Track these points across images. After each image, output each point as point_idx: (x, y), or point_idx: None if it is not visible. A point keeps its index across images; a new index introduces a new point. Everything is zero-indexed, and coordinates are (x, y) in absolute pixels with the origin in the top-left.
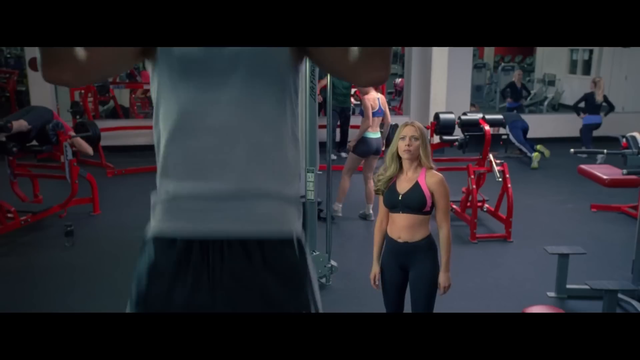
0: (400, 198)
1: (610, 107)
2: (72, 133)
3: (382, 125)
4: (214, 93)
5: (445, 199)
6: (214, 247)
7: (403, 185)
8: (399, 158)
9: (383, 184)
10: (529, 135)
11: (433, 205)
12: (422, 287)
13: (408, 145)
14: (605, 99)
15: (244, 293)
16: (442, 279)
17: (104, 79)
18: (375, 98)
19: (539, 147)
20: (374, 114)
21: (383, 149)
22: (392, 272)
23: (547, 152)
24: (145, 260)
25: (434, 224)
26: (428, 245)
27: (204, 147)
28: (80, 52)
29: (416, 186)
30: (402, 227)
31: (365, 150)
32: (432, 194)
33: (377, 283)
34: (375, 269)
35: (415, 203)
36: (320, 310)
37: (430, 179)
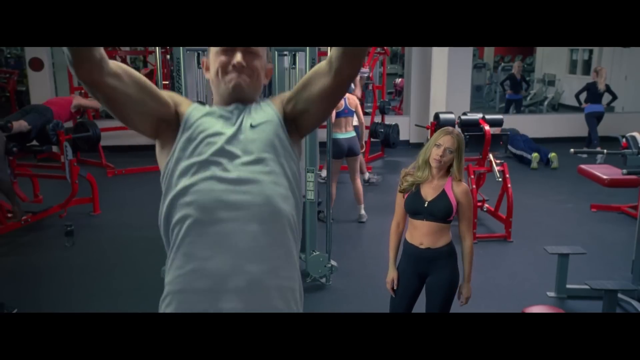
0: (425, 205)
1: (613, 97)
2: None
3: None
4: (226, 181)
5: (471, 210)
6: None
7: (429, 192)
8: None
9: (410, 185)
10: (531, 135)
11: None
12: (440, 293)
13: (441, 156)
14: (608, 88)
15: None
16: (465, 289)
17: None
18: None
19: (552, 155)
20: (339, 114)
21: (363, 150)
22: (409, 278)
23: (556, 163)
24: None
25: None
26: (449, 252)
27: (213, 243)
28: (102, 52)
29: (443, 195)
30: (424, 233)
31: (336, 151)
32: (458, 203)
33: (394, 288)
34: (393, 273)
35: (442, 212)
36: None
37: (457, 188)
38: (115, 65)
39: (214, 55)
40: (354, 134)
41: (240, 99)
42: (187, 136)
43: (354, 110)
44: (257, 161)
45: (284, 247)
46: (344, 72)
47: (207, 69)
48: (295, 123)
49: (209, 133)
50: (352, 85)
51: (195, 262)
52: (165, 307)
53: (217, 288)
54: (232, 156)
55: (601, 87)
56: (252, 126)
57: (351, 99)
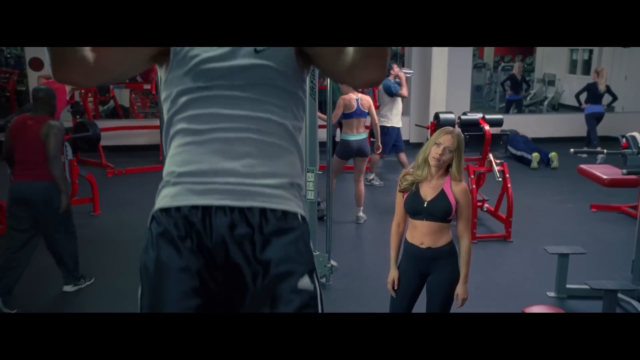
0: (425, 205)
1: (613, 97)
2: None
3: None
4: (224, 101)
5: (469, 209)
6: (216, 212)
7: (428, 192)
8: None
9: (409, 184)
10: (531, 136)
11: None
12: (441, 292)
13: (440, 154)
14: (608, 89)
15: (244, 248)
16: (460, 290)
17: (114, 81)
18: (352, 99)
19: (552, 155)
20: (351, 115)
21: (379, 152)
22: (410, 278)
23: (556, 162)
24: (151, 231)
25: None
26: (450, 252)
27: (211, 146)
28: (88, 53)
29: (442, 194)
30: (425, 233)
31: (344, 151)
32: (457, 203)
33: (395, 288)
34: (394, 273)
35: (441, 211)
36: (319, 283)
37: (455, 187)
38: (91, 54)
39: None
40: (365, 135)
41: None
42: (182, 55)
43: (366, 111)
44: (259, 83)
45: (282, 150)
46: (358, 78)
47: None
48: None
49: (207, 55)
50: (398, 86)
51: (191, 165)
52: (158, 197)
53: (209, 180)
54: (230, 76)
55: (602, 87)
56: (256, 50)
57: (364, 100)
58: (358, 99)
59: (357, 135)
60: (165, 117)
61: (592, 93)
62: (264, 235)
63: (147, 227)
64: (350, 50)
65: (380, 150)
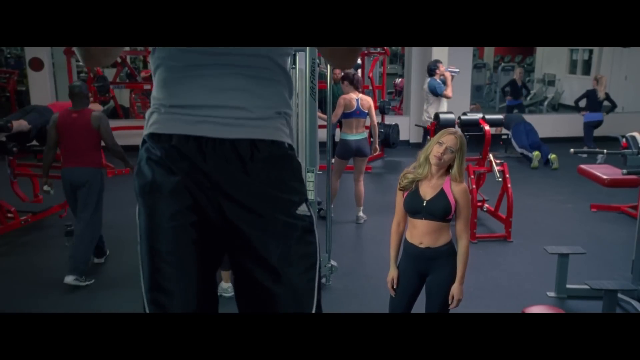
0: (424, 204)
1: (613, 105)
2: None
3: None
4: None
5: (468, 209)
6: (207, 142)
7: (427, 191)
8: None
9: (409, 182)
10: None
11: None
12: (440, 292)
13: (442, 153)
14: (607, 96)
15: (236, 176)
16: (456, 291)
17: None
18: (352, 99)
19: (552, 157)
20: (351, 115)
21: (377, 153)
22: (409, 278)
23: (556, 164)
24: (143, 154)
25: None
26: (449, 252)
27: (201, 78)
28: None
29: (441, 193)
30: (424, 232)
31: (343, 151)
32: (456, 202)
33: (394, 287)
34: (393, 272)
35: (440, 210)
36: (314, 211)
37: (455, 187)
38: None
39: None
40: (364, 135)
41: None
42: None
43: (366, 112)
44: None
45: (270, 82)
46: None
47: None
48: None
49: None
50: (443, 85)
51: (180, 99)
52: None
53: (199, 113)
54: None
55: (601, 95)
56: None
57: (364, 100)
58: (358, 99)
59: (356, 135)
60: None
61: (592, 100)
62: (255, 162)
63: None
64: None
65: (378, 151)
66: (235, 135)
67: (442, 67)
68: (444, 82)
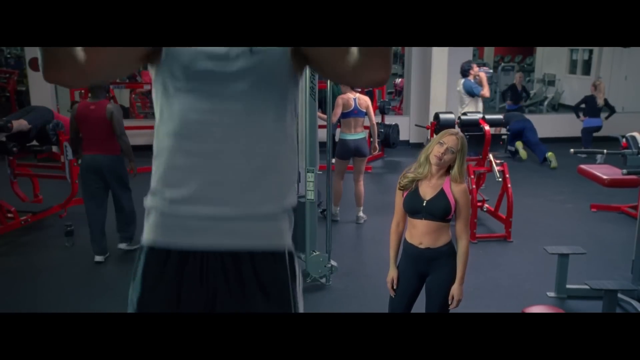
0: (424, 204)
1: (612, 111)
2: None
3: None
4: (217, 103)
5: (468, 209)
6: (207, 259)
7: (427, 191)
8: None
9: (409, 181)
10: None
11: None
12: (440, 293)
13: (442, 153)
14: (606, 102)
15: (231, 304)
16: (456, 291)
17: (105, 81)
18: (349, 98)
19: (549, 154)
20: (349, 114)
21: (377, 152)
22: (409, 279)
23: (554, 163)
24: (139, 269)
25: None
26: (449, 252)
27: (204, 161)
28: (79, 53)
29: (441, 193)
30: (424, 233)
31: (342, 151)
32: (456, 202)
33: (394, 288)
34: (393, 272)
35: (440, 210)
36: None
37: (455, 187)
38: (86, 54)
39: None
40: (363, 135)
41: None
42: (174, 53)
43: (364, 111)
44: (253, 84)
45: (276, 159)
46: (362, 79)
47: None
48: (303, 56)
49: (200, 53)
50: (480, 86)
51: (180, 189)
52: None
53: (197, 213)
54: (224, 75)
55: (600, 101)
56: (251, 51)
57: (362, 100)
58: (356, 98)
59: (355, 134)
60: (156, 116)
61: (590, 106)
62: (252, 275)
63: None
64: (354, 50)
65: (377, 150)
66: (235, 244)
67: (475, 68)
68: (479, 83)
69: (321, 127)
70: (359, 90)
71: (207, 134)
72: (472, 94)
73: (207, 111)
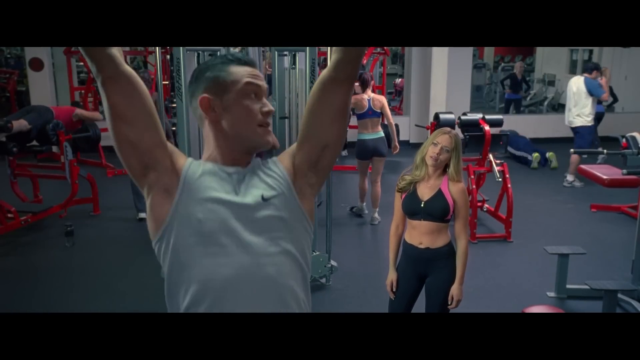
0: (422, 205)
1: (614, 98)
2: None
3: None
4: (234, 257)
5: (466, 209)
6: None
7: (425, 192)
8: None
9: (407, 184)
10: (531, 136)
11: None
12: (440, 293)
13: (437, 153)
14: (610, 89)
15: None
16: (455, 292)
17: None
18: (363, 99)
19: (550, 154)
20: (364, 115)
21: (396, 151)
22: (409, 280)
23: (555, 163)
24: None
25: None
26: (449, 252)
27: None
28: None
29: (439, 194)
30: (423, 233)
31: (361, 151)
32: (454, 202)
33: (393, 290)
34: (392, 275)
35: (439, 211)
36: None
37: (453, 187)
38: (132, 74)
39: (238, 98)
40: (381, 134)
41: (253, 152)
42: (185, 202)
43: (379, 111)
44: (267, 243)
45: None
46: (350, 75)
47: (213, 110)
48: (315, 169)
49: (213, 201)
50: (602, 90)
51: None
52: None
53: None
54: (240, 234)
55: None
56: (264, 199)
57: (376, 100)
58: (370, 99)
59: (373, 134)
60: (168, 261)
61: None
62: None
63: None
64: (337, 66)
65: (398, 150)
66: None
67: (596, 73)
68: (600, 85)
69: None
70: (373, 90)
71: (227, 288)
72: (594, 93)
73: (226, 265)
